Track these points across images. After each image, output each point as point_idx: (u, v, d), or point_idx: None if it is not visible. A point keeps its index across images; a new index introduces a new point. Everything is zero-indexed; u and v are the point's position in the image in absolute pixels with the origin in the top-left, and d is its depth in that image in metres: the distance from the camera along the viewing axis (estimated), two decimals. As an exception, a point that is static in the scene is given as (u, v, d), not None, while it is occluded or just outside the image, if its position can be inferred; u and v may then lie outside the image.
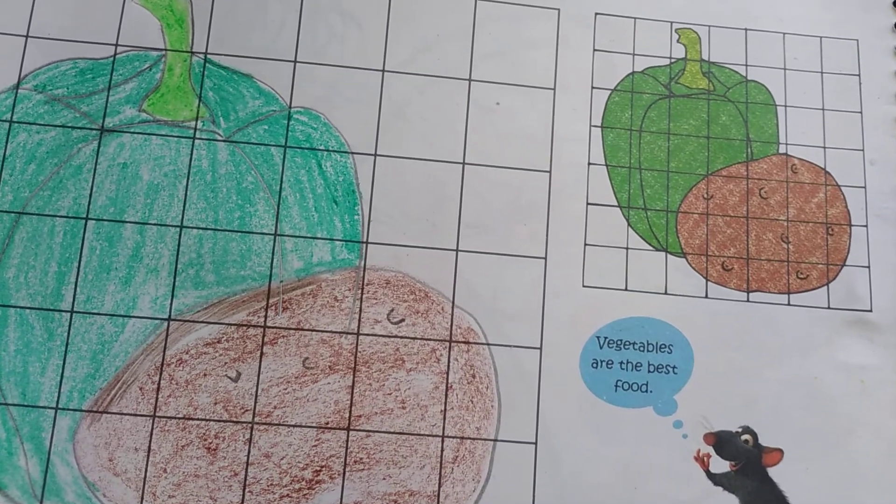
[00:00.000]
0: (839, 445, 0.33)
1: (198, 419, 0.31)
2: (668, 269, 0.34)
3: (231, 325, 0.32)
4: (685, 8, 0.36)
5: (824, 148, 0.36)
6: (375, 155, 0.34)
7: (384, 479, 0.31)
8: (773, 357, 0.33)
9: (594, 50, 0.36)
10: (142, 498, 0.30)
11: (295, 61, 0.34)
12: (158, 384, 0.31)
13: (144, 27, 0.34)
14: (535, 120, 0.35)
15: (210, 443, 0.31)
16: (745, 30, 0.37)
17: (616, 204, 0.34)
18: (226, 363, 0.32)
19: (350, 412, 0.32)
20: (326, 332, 0.32)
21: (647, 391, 0.33)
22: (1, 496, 0.30)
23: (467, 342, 0.33)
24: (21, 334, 0.31)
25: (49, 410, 0.31)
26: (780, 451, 0.33)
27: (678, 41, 0.36)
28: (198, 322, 0.32)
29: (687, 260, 0.34)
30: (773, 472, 0.32)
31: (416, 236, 0.33)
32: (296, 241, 0.33)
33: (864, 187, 0.35)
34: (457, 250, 0.33)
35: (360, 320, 0.32)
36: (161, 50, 0.34)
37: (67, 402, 0.31)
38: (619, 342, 0.33)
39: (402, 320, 0.33)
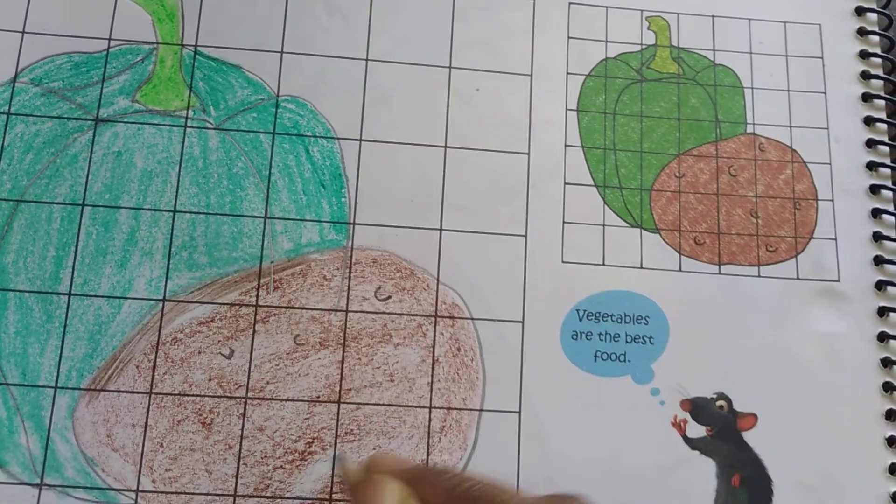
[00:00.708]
0: (811, 409, 0.34)
1: (193, 395, 0.32)
2: (643, 245, 0.35)
3: (224, 304, 0.33)
4: (655, -4, 0.38)
5: (790, 127, 0.37)
6: (361, 140, 0.35)
7: (374, 449, 0.32)
8: (745, 326, 0.35)
9: (569, 38, 0.37)
10: (139, 472, 0.31)
11: (282, 52, 0.36)
12: (154, 362, 0.32)
13: (136, 22, 0.35)
14: (514, 105, 0.36)
15: (205, 418, 0.32)
16: (713, 16, 0.38)
17: (592, 183, 0.36)
18: (219, 341, 0.33)
19: (340, 386, 0.33)
20: (316, 309, 0.33)
21: (625, 361, 0.34)
22: (2, 472, 0.31)
23: (452, 317, 0.34)
24: (21, 317, 0.32)
25: (48, 389, 0.32)
26: (754, 415, 0.34)
27: (649, 28, 0.38)
28: (192, 302, 0.33)
29: (661, 236, 0.35)
30: (748, 436, 0.34)
31: (401, 217, 0.34)
32: (285, 224, 0.34)
33: (830, 163, 0.37)
34: (440, 230, 0.35)
35: (348, 298, 0.34)
36: (153, 43, 0.35)
37: (66, 381, 0.32)
38: (597, 314, 0.34)
39: (389, 297, 0.34)
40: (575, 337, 0.34)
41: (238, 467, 0.32)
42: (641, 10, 0.38)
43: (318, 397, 0.33)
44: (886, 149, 0.37)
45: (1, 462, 0.31)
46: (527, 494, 0.22)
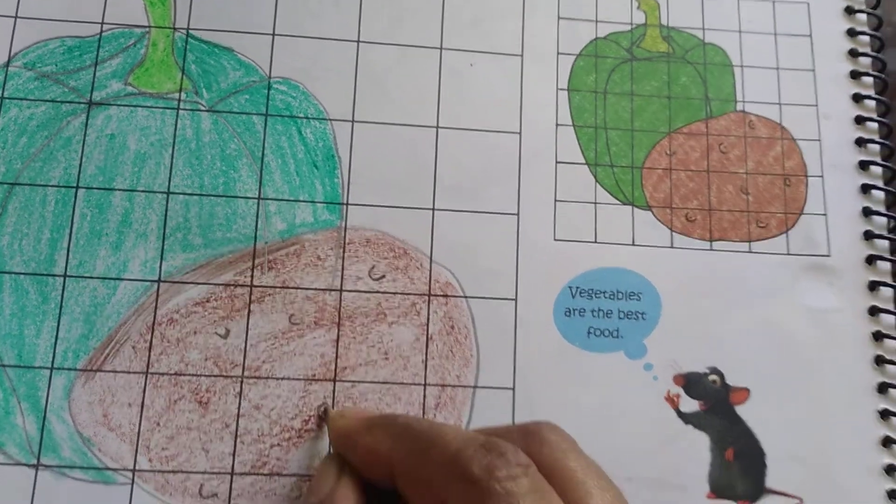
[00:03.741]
0: (803, 383, 0.34)
1: (189, 375, 0.32)
2: (635, 222, 0.36)
3: (219, 284, 0.33)
4: (644, -24, 0.38)
5: (780, 104, 0.37)
6: (353, 121, 0.35)
7: (369, 426, 0.32)
8: (737, 301, 0.35)
9: (559, 18, 0.38)
10: (136, 451, 0.31)
11: (273, 34, 0.36)
12: (150, 343, 0.32)
13: (129, 6, 0.35)
14: (505, 85, 0.36)
15: (202, 397, 0.32)
16: (702, -4, 0.39)
17: (584, 162, 0.36)
18: (215, 321, 0.33)
19: (336, 364, 0.33)
20: (311, 289, 0.34)
21: (618, 337, 0.34)
22: None
23: (445, 296, 0.34)
24: (16, 298, 0.32)
25: (44, 370, 0.32)
26: (747, 389, 0.34)
27: (638, 8, 0.38)
28: (187, 283, 0.33)
29: (652, 213, 0.36)
30: (741, 410, 0.34)
31: (394, 197, 0.35)
32: (279, 204, 0.34)
33: (819, 140, 0.37)
34: (433, 209, 0.35)
35: (342, 277, 0.34)
36: (145, 27, 0.35)
37: (62, 362, 0.32)
38: (590, 291, 0.34)
39: (383, 276, 0.34)
40: (568, 314, 0.34)
41: (235, 445, 0.32)
42: (631, -9, 0.38)
43: (314, 376, 0.33)
44: (875, 125, 0.37)
45: (-2, 443, 0.31)
46: (466, 432, 0.24)
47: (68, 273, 0.33)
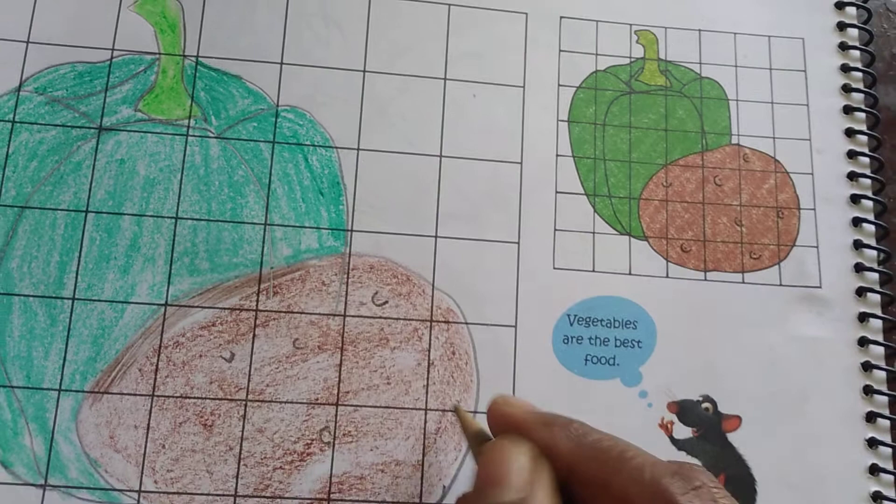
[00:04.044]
0: (794, 412, 0.35)
1: (194, 398, 0.33)
2: (632, 252, 0.36)
3: (225, 309, 0.34)
4: (644, 11, 0.39)
5: (774, 138, 0.38)
6: (358, 149, 0.36)
7: (371, 450, 0.33)
8: (730, 331, 0.36)
9: (560, 50, 0.38)
10: (141, 473, 0.32)
11: (281, 63, 0.37)
12: (157, 365, 0.33)
13: (139, 32, 0.36)
14: (507, 115, 0.37)
15: (206, 420, 0.33)
16: (699, 31, 0.39)
17: (583, 192, 0.37)
18: (220, 345, 0.34)
19: (338, 388, 0.34)
20: (315, 314, 0.34)
21: (614, 364, 0.35)
22: (7, 473, 0.32)
23: (447, 322, 0.35)
24: (25, 320, 0.33)
25: (52, 392, 0.32)
26: (739, 417, 0.35)
27: (637, 42, 0.39)
28: (193, 307, 0.34)
29: (649, 243, 0.37)
30: (733, 437, 0.35)
31: (397, 224, 0.35)
32: (285, 230, 0.35)
33: (812, 174, 0.38)
34: (436, 237, 0.36)
35: (346, 303, 0.34)
36: (155, 54, 0.36)
37: (70, 384, 0.33)
38: (587, 319, 0.35)
39: (386, 302, 0.35)
40: (566, 341, 0.35)
41: (238, 468, 0.32)
42: (630, 24, 0.39)
43: (317, 399, 0.33)
44: (867, 160, 0.39)
45: (6, 463, 0.32)
46: (651, 456, 0.23)
47: (77, 296, 0.33)
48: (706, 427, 0.35)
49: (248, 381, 0.33)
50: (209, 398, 0.33)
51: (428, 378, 0.34)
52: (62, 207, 0.34)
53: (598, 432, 0.25)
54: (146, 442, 0.32)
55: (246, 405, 0.33)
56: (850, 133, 0.39)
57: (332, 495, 0.33)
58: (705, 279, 0.36)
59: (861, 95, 0.39)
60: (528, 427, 0.25)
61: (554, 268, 0.36)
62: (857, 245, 0.37)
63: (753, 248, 0.37)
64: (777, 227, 0.37)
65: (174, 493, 0.32)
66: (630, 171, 0.37)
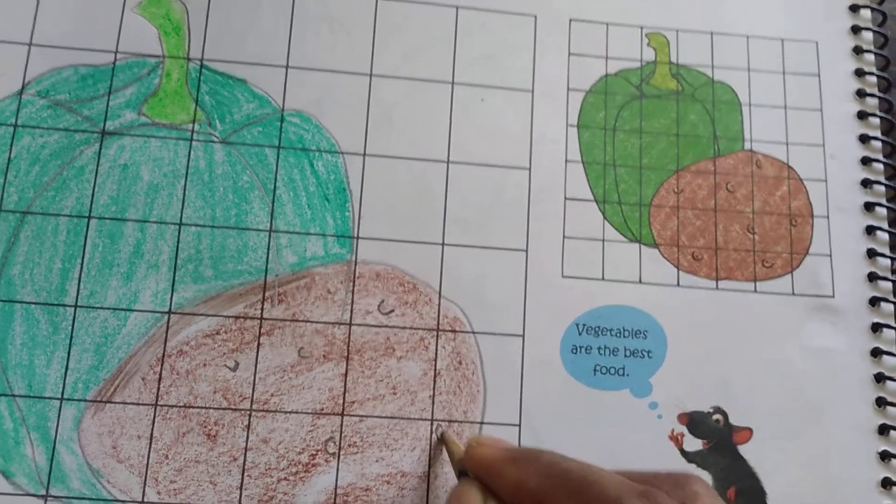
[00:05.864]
0: (806, 424, 0.35)
1: (198, 407, 0.32)
2: (642, 260, 0.36)
3: (229, 317, 0.33)
4: (655, 13, 0.39)
5: (787, 144, 0.38)
6: (364, 155, 0.36)
7: (377, 461, 0.33)
8: (741, 341, 0.35)
9: (569, 54, 0.38)
10: (144, 483, 0.32)
11: (287, 67, 0.36)
12: (160, 374, 0.33)
13: (143, 35, 0.36)
14: (515, 121, 0.37)
15: (210, 430, 0.32)
16: (711, 33, 0.39)
17: (592, 199, 0.36)
18: (224, 353, 0.33)
19: (344, 398, 0.33)
20: (320, 322, 0.34)
21: (623, 375, 0.34)
22: (9, 483, 0.31)
23: (454, 331, 0.34)
24: (27, 328, 0.32)
25: (54, 401, 0.32)
26: (750, 429, 0.35)
27: (648, 45, 0.38)
28: (197, 315, 0.33)
29: (659, 251, 0.36)
30: (744, 450, 0.34)
31: (404, 231, 0.35)
32: (290, 237, 0.34)
33: (825, 181, 0.38)
34: (443, 244, 0.35)
35: (352, 311, 0.34)
36: (159, 57, 0.36)
37: (72, 393, 0.32)
38: (597, 329, 0.35)
39: (392, 311, 0.34)
40: (575, 351, 0.34)
41: (242, 479, 0.32)
42: (641, 27, 0.39)
43: (322, 409, 0.33)
44: (881, 166, 0.38)
45: (7, 473, 0.31)
46: (617, 477, 0.24)
47: (79, 303, 0.33)
48: (717, 439, 0.34)
49: (253, 390, 0.33)
50: (213, 408, 0.33)
51: (434, 388, 0.34)
52: (65, 213, 0.34)
53: (570, 461, 0.26)
54: (149, 452, 0.32)
55: (250, 415, 0.33)
56: (864, 139, 0.38)
57: (337, 507, 0.32)
58: (717, 288, 0.36)
59: (875, 100, 0.39)
60: (496, 468, 0.27)
61: (563, 276, 0.35)
62: (871, 254, 0.37)
63: (766, 257, 0.36)
64: (790, 235, 0.37)
65: (177, 504, 0.32)
66: (641, 178, 0.37)
